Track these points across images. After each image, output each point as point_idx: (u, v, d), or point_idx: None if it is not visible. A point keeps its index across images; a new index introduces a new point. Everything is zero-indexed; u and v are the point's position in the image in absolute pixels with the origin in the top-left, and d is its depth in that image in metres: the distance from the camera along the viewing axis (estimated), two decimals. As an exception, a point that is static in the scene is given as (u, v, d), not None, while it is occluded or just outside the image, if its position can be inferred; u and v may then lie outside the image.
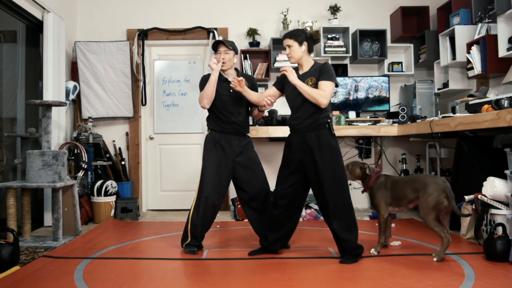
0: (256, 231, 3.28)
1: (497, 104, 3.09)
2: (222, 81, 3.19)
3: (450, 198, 2.80)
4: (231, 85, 2.99)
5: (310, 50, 2.96)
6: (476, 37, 4.04)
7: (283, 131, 4.32)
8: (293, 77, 2.85)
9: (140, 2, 5.24)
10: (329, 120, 2.85)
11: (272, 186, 3.12)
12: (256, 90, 3.25)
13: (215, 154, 3.15)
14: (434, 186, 2.82)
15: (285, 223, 2.98)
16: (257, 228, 3.25)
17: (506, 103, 3.05)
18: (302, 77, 2.90)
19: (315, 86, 2.84)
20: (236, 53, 3.23)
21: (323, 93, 2.78)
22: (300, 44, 2.89)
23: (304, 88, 2.81)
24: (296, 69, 2.98)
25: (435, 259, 2.78)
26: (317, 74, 2.86)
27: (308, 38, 2.91)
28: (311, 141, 2.82)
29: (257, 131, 4.53)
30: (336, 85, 2.88)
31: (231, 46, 3.18)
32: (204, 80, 3.18)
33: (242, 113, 3.21)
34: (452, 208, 2.82)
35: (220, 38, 5.14)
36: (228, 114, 3.16)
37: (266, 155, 5.18)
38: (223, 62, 3.15)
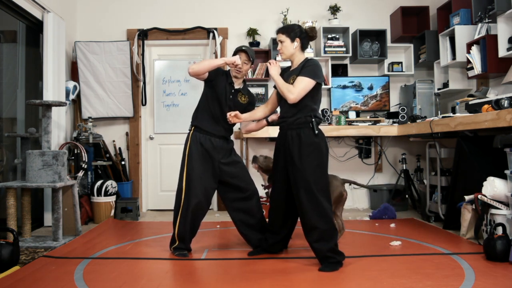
0: (245, 237, 3.16)
1: (497, 104, 3.09)
2: (229, 83, 3.09)
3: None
4: (228, 119, 3.02)
5: (303, 47, 2.85)
6: (476, 37, 4.04)
7: (283, 131, 4.30)
8: (273, 71, 2.82)
9: (140, 2, 5.24)
10: (313, 120, 2.71)
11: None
12: (253, 107, 3.19)
13: (201, 156, 3.02)
14: (336, 182, 3.23)
15: (283, 226, 2.96)
16: (247, 234, 3.13)
17: (506, 103, 3.05)
18: (290, 74, 2.82)
19: None
20: (252, 63, 3.12)
21: (292, 89, 2.69)
22: (292, 40, 2.78)
23: (278, 82, 2.76)
24: (289, 66, 2.93)
25: None
26: (299, 71, 2.76)
27: (302, 34, 2.80)
28: (291, 139, 2.73)
29: (257, 131, 4.51)
30: (319, 83, 2.73)
31: (252, 57, 3.08)
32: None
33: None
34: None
35: (220, 38, 5.15)
36: (223, 117, 3.07)
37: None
38: (239, 70, 3.05)
